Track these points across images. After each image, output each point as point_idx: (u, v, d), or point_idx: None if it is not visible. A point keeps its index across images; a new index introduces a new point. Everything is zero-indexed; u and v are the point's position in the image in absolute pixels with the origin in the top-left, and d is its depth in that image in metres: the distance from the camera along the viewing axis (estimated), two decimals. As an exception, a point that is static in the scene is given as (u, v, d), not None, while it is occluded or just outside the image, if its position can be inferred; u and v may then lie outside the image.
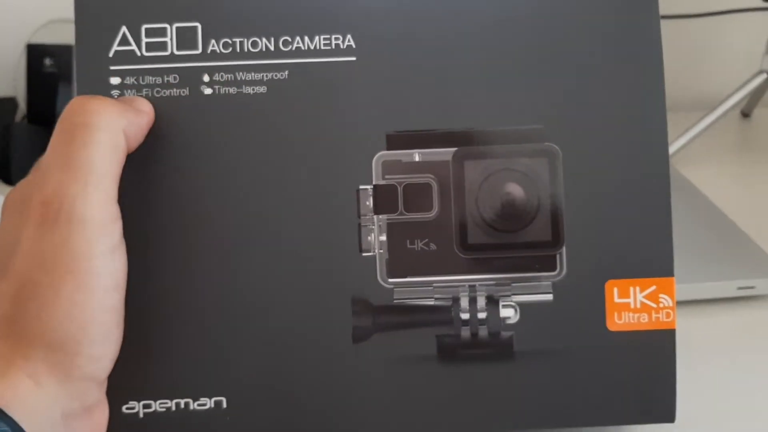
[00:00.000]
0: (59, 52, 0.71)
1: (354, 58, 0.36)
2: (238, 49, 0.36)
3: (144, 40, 0.36)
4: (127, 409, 0.35)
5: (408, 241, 0.36)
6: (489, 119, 0.36)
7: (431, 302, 0.36)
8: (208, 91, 0.36)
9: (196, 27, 0.36)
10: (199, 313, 0.35)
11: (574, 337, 0.35)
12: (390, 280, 0.35)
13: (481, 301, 0.35)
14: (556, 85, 0.36)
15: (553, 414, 0.36)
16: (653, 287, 0.36)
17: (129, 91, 0.35)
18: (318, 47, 0.36)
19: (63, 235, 0.30)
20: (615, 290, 0.35)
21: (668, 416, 0.36)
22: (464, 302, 0.35)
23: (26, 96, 0.72)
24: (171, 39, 0.36)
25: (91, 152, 0.31)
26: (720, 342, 0.46)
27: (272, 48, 0.36)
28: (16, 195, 0.34)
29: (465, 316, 0.35)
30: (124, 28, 0.36)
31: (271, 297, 0.35)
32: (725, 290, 0.50)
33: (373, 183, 0.36)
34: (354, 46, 0.36)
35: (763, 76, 0.74)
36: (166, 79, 0.35)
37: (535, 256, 0.36)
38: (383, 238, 0.36)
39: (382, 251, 0.35)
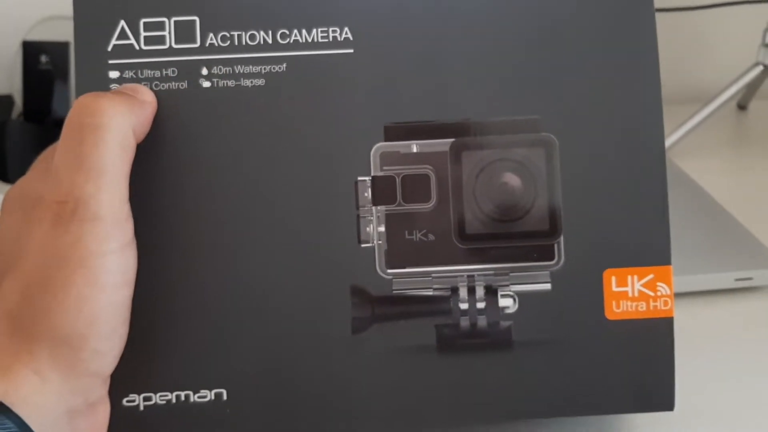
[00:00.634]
0: (55, 49, 0.71)
1: (351, 51, 0.36)
2: (236, 43, 0.36)
3: (142, 34, 0.36)
4: (128, 402, 0.35)
5: (406, 232, 0.36)
6: (486, 110, 0.36)
7: (430, 292, 0.36)
8: (206, 84, 0.36)
9: (194, 21, 0.36)
10: (198, 305, 0.35)
11: (572, 326, 0.36)
12: (389, 270, 0.36)
13: (480, 291, 0.36)
14: (552, 77, 0.36)
15: (552, 403, 0.36)
16: (651, 276, 0.36)
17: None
18: (315, 40, 0.36)
19: (77, 234, 0.31)
20: (613, 279, 0.36)
21: (667, 405, 0.36)
22: (463, 292, 0.36)
23: (22, 93, 0.72)
24: (169, 33, 0.36)
25: (103, 153, 0.32)
26: (718, 333, 0.46)
27: (270, 41, 0.36)
28: (16, 193, 0.34)
29: (464, 306, 0.36)
30: (122, 23, 0.36)
31: (270, 289, 0.35)
32: (723, 282, 0.50)
33: (372, 174, 0.36)
34: (351, 38, 0.36)
35: (760, 68, 0.74)
36: (164, 72, 0.35)
37: (533, 246, 0.36)
38: (382, 229, 0.36)
39: (380, 242, 0.36)
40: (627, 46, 0.36)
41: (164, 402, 0.35)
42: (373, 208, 0.36)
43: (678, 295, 0.41)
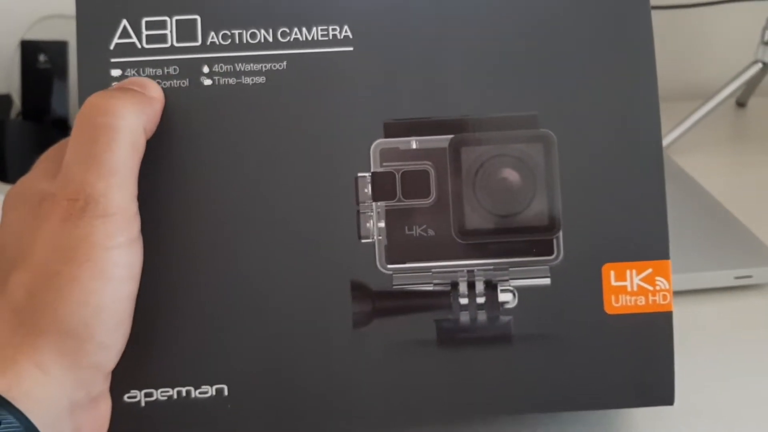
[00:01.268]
0: (53, 48, 0.71)
1: (351, 48, 0.36)
2: (237, 41, 0.36)
3: (144, 32, 0.36)
4: (129, 398, 0.35)
5: (406, 228, 0.36)
6: (484, 107, 0.36)
7: (430, 287, 0.36)
8: (207, 82, 0.36)
9: (195, 19, 0.36)
10: (199, 301, 0.35)
11: (571, 320, 0.36)
12: (389, 266, 0.36)
13: (480, 286, 0.36)
14: (550, 74, 0.36)
15: (552, 398, 0.36)
16: (649, 270, 0.36)
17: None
18: (316, 38, 0.36)
19: (86, 230, 0.31)
20: (612, 273, 0.36)
21: (667, 399, 0.36)
22: (463, 287, 0.36)
23: (21, 93, 0.72)
24: (171, 31, 0.36)
25: (115, 153, 0.32)
26: (718, 331, 0.46)
27: (270, 39, 0.36)
28: (19, 190, 0.35)
29: (464, 301, 0.36)
30: (124, 22, 0.36)
31: (271, 285, 0.35)
32: (723, 280, 0.50)
33: (372, 170, 0.36)
34: (351, 36, 0.36)
35: (759, 66, 0.74)
36: (166, 70, 0.36)
37: (533, 241, 0.36)
38: (382, 224, 0.36)
39: (380, 238, 0.36)
40: (623, 42, 0.36)
41: (165, 398, 0.35)
42: (373, 203, 0.36)
43: (677, 293, 0.41)
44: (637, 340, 0.36)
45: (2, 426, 0.29)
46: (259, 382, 0.35)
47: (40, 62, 0.71)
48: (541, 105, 0.36)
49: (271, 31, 0.36)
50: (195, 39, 0.36)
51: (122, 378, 0.34)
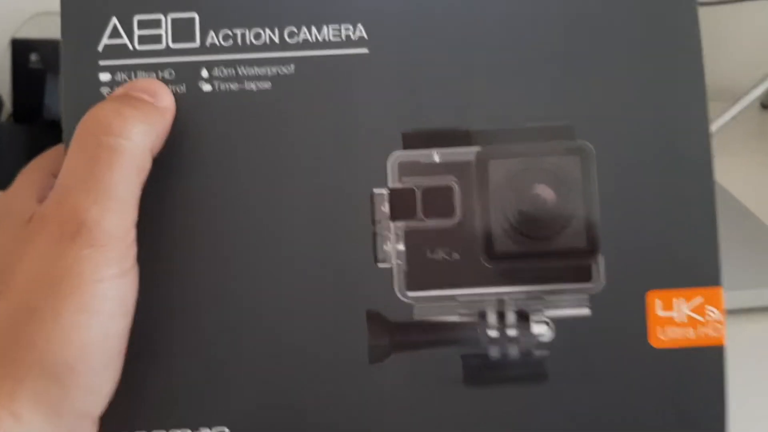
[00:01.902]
0: (46, 47, 0.70)
1: (366, 50, 0.34)
2: (239, 42, 0.34)
3: (136, 32, 0.34)
4: None
5: (428, 251, 0.34)
6: (514, 116, 0.34)
7: (455, 318, 0.34)
8: (207, 87, 0.34)
9: (193, 18, 0.34)
10: (198, 332, 0.33)
11: (614, 356, 0.33)
12: (409, 293, 0.34)
13: (511, 317, 0.34)
14: (586, 79, 0.34)
15: None
16: (700, 299, 0.34)
17: (121, 89, 0.34)
18: (327, 39, 0.34)
19: (74, 257, 0.29)
20: (657, 302, 0.34)
21: None
22: (492, 318, 0.34)
23: (11, 94, 0.71)
24: (166, 31, 0.34)
25: (115, 177, 0.31)
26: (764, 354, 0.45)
27: (277, 40, 0.34)
28: (3, 203, 0.33)
29: (493, 333, 0.34)
30: (114, 20, 0.34)
31: (277, 315, 0.33)
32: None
33: (389, 186, 0.34)
34: (366, 36, 0.34)
35: (785, 67, 0.73)
36: (161, 75, 0.34)
37: (570, 266, 0.34)
38: (401, 247, 0.34)
39: (399, 262, 0.34)
40: (669, 44, 0.34)
41: None
42: (391, 223, 0.34)
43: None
44: (686, 378, 0.33)
45: None
46: (263, 422, 0.33)
47: (31, 62, 0.70)
48: (577, 114, 0.34)
49: (277, 30, 0.35)
50: (193, 40, 0.34)
51: (113, 419, 0.32)
